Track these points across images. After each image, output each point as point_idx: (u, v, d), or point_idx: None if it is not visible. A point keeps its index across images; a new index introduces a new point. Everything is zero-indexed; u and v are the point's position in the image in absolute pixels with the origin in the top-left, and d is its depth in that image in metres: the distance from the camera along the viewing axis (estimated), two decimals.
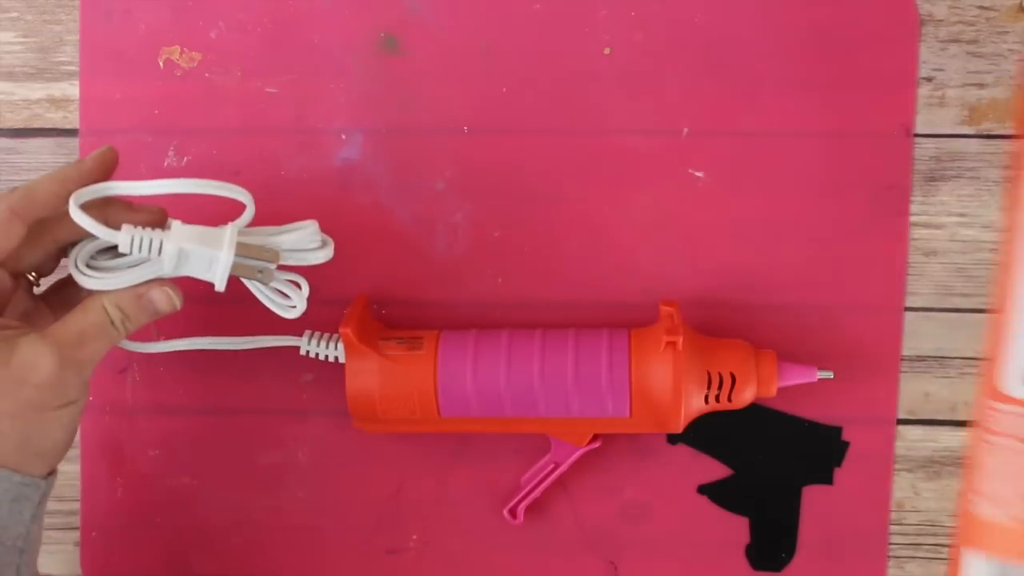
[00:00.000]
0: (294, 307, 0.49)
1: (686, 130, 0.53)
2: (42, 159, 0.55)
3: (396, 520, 0.55)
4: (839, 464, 0.53)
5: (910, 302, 0.53)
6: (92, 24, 0.55)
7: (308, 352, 0.52)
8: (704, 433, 0.53)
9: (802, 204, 0.53)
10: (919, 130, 0.53)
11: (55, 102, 0.55)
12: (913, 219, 0.53)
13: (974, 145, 0.53)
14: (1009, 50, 0.52)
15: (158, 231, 0.46)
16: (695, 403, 0.49)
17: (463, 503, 0.54)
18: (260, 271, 0.47)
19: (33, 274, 0.48)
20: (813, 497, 0.53)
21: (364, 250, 0.54)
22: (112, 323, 0.46)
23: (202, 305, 0.53)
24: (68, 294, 0.49)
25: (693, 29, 0.53)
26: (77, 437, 0.55)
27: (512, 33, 0.54)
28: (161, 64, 0.55)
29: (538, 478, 0.52)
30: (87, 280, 0.46)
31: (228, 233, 0.46)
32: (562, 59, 0.54)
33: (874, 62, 0.53)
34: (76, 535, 0.56)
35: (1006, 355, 0.45)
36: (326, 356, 0.52)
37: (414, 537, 0.55)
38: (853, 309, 0.53)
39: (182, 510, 0.55)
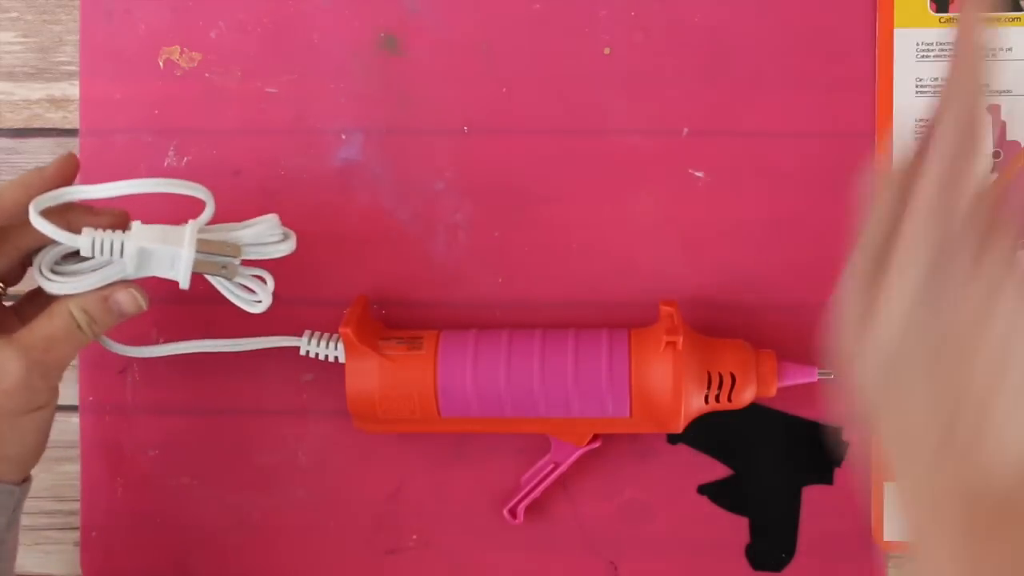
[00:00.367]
0: (260, 302, 0.49)
1: (686, 130, 0.53)
2: (42, 159, 0.55)
3: (396, 520, 0.55)
4: (839, 464, 0.53)
5: None
6: (92, 24, 0.55)
7: (308, 352, 0.52)
8: (704, 433, 0.53)
9: (802, 204, 0.53)
10: None
11: (55, 102, 0.55)
12: None
13: None
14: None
15: (119, 232, 0.46)
16: (695, 403, 0.49)
17: (463, 503, 0.54)
18: (224, 267, 0.47)
19: (0, 284, 0.48)
20: (813, 497, 0.53)
21: (364, 250, 0.54)
22: (79, 326, 0.46)
23: (202, 305, 0.53)
24: (40, 305, 0.48)
25: (693, 29, 0.53)
26: (76, 437, 0.55)
27: (512, 33, 0.54)
28: (161, 64, 0.55)
29: (538, 478, 0.52)
30: (51, 285, 0.46)
31: (188, 230, 0.46)
32: (562, 59, 0.54)
33: (875, 62, 0.53)
34: (76, 535, 0.55)
35: None
36: (326, 356, 0.52)
37: (414, 537, 0.55)
38: None
39: (182, 510, 0.55)
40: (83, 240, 0.45)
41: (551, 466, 0.52)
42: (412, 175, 0.54)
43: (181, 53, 0.55)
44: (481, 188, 0.54)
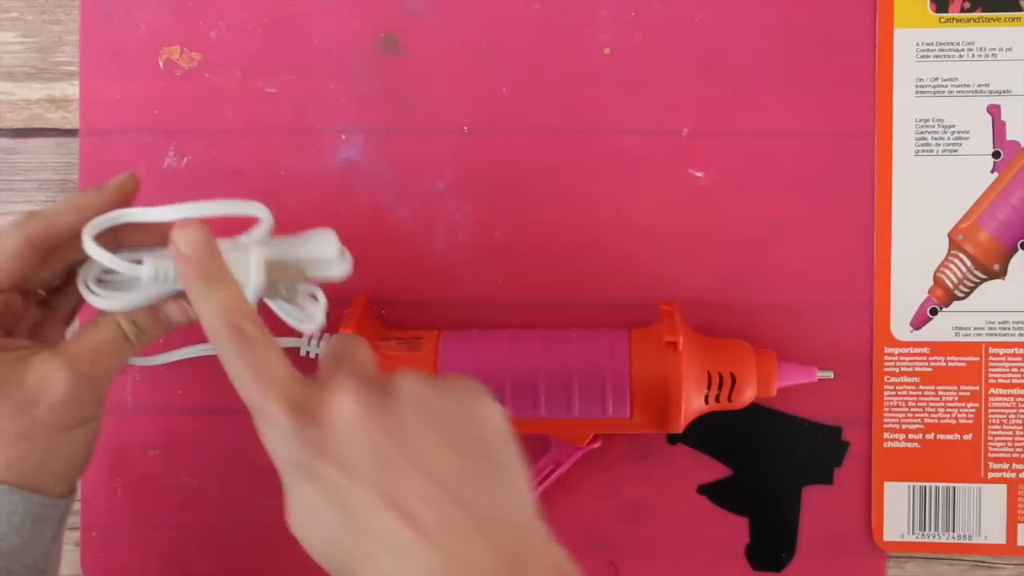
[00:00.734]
0: (312, 319, 0.47)
1: (686, 130, 0.53)
2: (42, 159, 0.55)
3: None
4: (839, 464, 0.53)
5: None
6: (92, 24, 0.55)
7: (308, 353, 0.52)
8: (704, 433, 0.53)
9: (802, 204, 0.53)
10: None
11: (55, 102, 0.55)
12: None
13: None
14: None
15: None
16: (695, 403, 0.49)
17: None
18: (286, 288, 0.46)
19: (41, 290, 0.47)
20: (813, 497, 0.53)
21: (364, 250, 0.54)
22: (126, 337, 0.45)
23: None
24: (73, 296, 0.48)
25: (693, 29, 0.53)
26: None
27: (512, 33, 0.54)
28: (161, 64, 0.55)
29: (538, 478, 0.52)
30: (99, 301, 0.45)
31: (254, 258, 0.44)
32: (562, 59, 0.54)
33: (875, 62, 0.53)
34: (76, 535, 0.55)
35: (893, 305, 0.53)
36: None
37: None
38: (853, 309, 0.53)
39: (182, 510, 0.55)
40: (145, 270, 0.44)
41: (551, 466, 0.52)
42: (412, 175, 0.54)
43: (181, 53, 0.55)
44: (481, 188, 0.54)
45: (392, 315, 0.54)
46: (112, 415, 0.55)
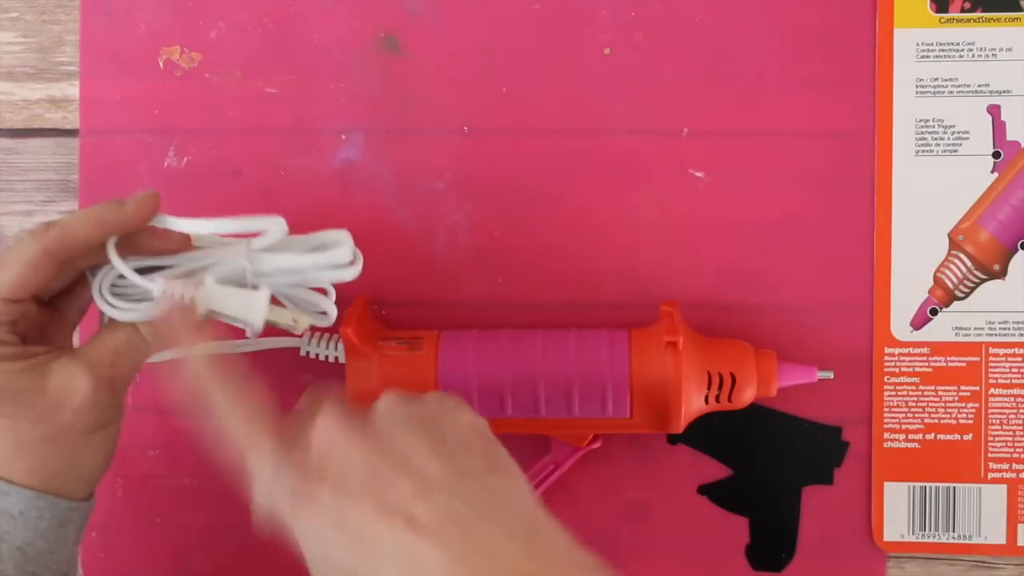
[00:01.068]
0: (324, 314, 0.49)
1: (686, 130, 0.53)
2: (42, 159, 0.55)
3: None
4: (839, 464, 0.53)
5: None
6: (92, 24, 0.55)
7: (308, 353, 0.52)
8: (704, 433, 0.53)
9: (802, 204, 0.53)
10: None
11: (55, 102, 0.55)
12: None
13: None
14: None
15: (190, 286, 0.45)
16: (695, 403, 0.49)
17: None
18: (294, 319, 0.47)
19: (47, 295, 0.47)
20: (813, 497, 0.53)
21: (364, 250, 0.54)
22: (143, 339, 0.46)
23: None
24: (80, 299, 0.48)
25: (693, 29, 0.53)
26: None
27: (512, 33, 0.54)
28: (161, 64, 0.55)
29: (538, 478, 0.52)
30: (114, 311, 0.45)
31: (261, 298, 0.45)
32: (562, 59, 0.54)
33: (875, 62, 0.53)
34: None
35: (894, 306, 0.53)
36: (326, 356, 0.52)
37: None
38: (853, 309, 0.53)
39: (182, 510, 0.55)
40: (157, 291, 0.45)
41: (551, 466, 0.52)
42: (412, 175, 0.54)
43: (181, 53, 0.55)
44: (481, 188, 0.54)
45: (392, 315, 0.54)
46: None
